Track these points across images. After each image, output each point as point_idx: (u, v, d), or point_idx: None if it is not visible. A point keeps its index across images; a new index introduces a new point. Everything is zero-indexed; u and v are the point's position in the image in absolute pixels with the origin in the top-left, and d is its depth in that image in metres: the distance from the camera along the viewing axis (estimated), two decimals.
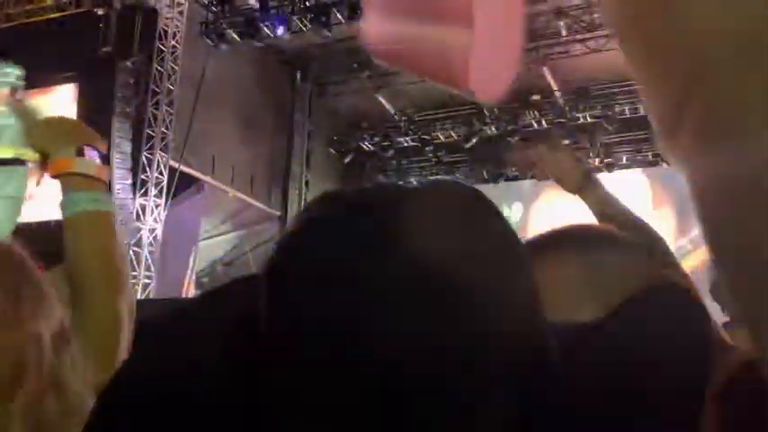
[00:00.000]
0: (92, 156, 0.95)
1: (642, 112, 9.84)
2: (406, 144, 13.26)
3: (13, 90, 4.47)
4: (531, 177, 12.51)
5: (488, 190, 12.95)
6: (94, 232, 0.93)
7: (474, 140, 12.57)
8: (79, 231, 0.94)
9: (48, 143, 0.97)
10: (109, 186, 1.00)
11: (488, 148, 12.40)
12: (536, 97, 11.39)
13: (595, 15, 10.38)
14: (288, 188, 12.31)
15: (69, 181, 0.95)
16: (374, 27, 0.48)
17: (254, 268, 8.05)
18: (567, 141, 10.74)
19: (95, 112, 9.19)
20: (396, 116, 13.04)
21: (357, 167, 13.97)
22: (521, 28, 0.54)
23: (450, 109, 12.62)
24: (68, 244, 0.95)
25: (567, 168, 1.37)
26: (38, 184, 1.03)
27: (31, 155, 3.91)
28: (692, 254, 9.43)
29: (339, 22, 9.53)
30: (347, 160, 13.68)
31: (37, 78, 11.76)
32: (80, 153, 0.94)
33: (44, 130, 1.00)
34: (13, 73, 4.54)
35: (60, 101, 11.72)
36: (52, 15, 11.17)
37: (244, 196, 11.23)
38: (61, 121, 1.06)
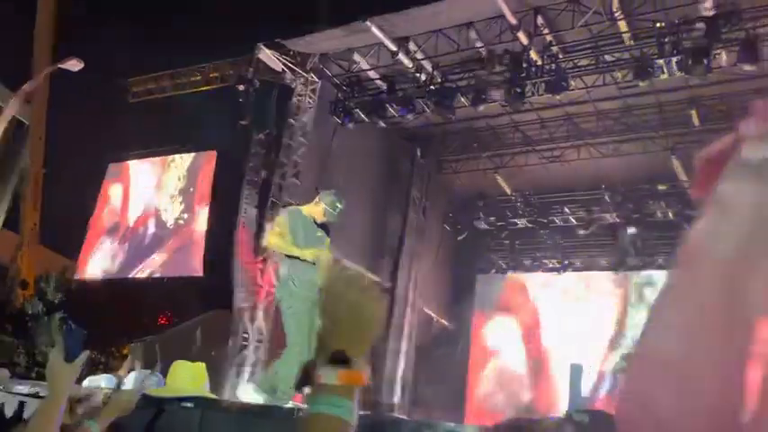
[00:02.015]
0: None
1: None
2: (521, 225, 13.08)
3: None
4: (659, 267, 11.83)
5: (606, 278, 12.49)
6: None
7: (593, 227, 12.20)
8: (310, 429, 0.98)
9: (344, 345, 0.98)
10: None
11: (608, 235, 11.97)
12: (662, 186, 10.94)
13: (730, 106, 9.96)
14: (399, 261, 12.42)
15: (318, 383, 0.98)
16: None
17: None
18: None
19: (228, 178, 9.89)
20: (512, 196, 12.96)
21: (470, 245, 13.90)
22: None
23: (570, 192, 12.39)
24: None
25: None
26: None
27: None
28: None
29: (462, 106, 9.74)
30: (461, 237, 13.65)
31: (182, 144, 12.92)
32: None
33: (344, 333, 1.00)
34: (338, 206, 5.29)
35: (200, 165, 12.72)
36: (200, 89, 12.30)
37: (356, 266, 11.45)
38: (362, 325, 1.02)
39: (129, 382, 4.21)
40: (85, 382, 4.55)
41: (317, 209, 5.27)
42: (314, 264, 5.05)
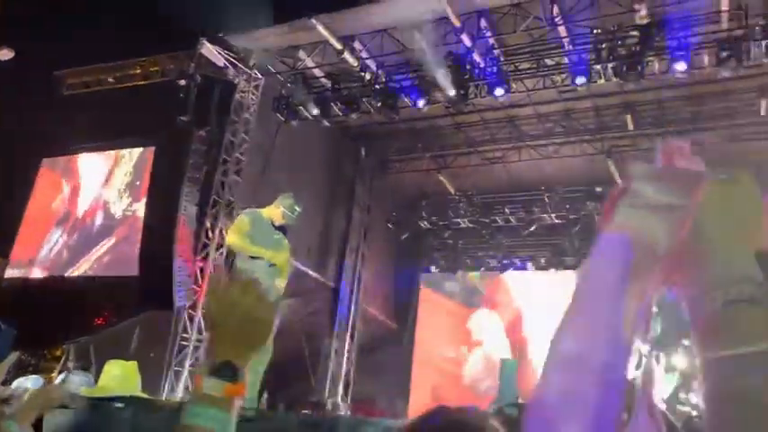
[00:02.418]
0: None
1: None
2: (463, 225, 13.27)
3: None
4: None
5: (548, 276, 12.77)
6: None
7: (533, 227, 12.48)
8: None
9: (232, 355, 0.96)
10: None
11: (548, 235, 12.27)
12: (599, 188, 11.28)
13: (662, 111, 10.36)
14: (344, 260, 12.42)
15: (199, 392, 0.96)
16: None
17: (303, 337, 8.00)
18: None
19: (168, 175, 9.66)
20: (455, 196, 13.13)
21: (414, 244, 14.02)
22: None
23: (511, 193, 12.64)
24: None
25: None
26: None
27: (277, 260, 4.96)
28: None
29: (406, 106, 9.80)
30: (404, 237, 13.75)
31: (120, 139, 12.53)
32: None
33: (234, 341, 0.97)
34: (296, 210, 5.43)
35: (138, 161, 12.37)
36: (139, 83, 11.97)
37: (300, 266, 11.37)
38: (254, 336, 1.00)
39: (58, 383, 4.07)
40: (14, 384, 4.37)
41: (275, 212, 5.36)
42: (271, 266, 5.14)
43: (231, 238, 5.38)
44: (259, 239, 5.19)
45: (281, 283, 5.20)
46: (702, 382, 0.48)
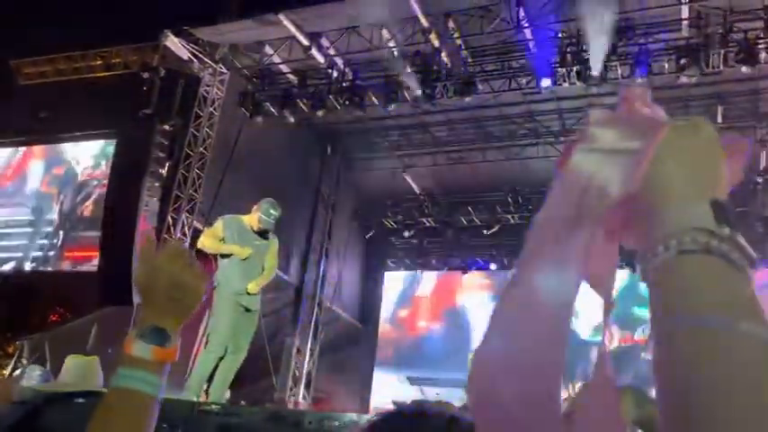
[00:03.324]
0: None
1: None
2: (427, 224, 13.34)
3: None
4: None
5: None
6: (124, 410, 0.93)
7: (496, 227, 12.61)
8: (110, 406, 0.94)
9: (161, 319, 0.96)
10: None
11: (510, 235, 12.41)
12: None
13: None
14: (308, 258, 12.36)
15: (127, 355, 0.96)
16: None
17: (265, 336, 7.91)
18: None
19: (129, 170, 9.47)
20: (420, 196, 13.19)
21: (378, 243, 14.03)
22: None
23: (475, 194, 12.75)
24: (96, 416, 0.94)
25: None
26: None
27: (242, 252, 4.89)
28: None
29: (373, 105, 9.80)
30: (369, 235, 13.76)
31: (80, 131, 12.24)
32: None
33: (162, 306, 0.97)
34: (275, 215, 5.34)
35: (98, 155, 12.10)
36: (100, 74, 11.71)
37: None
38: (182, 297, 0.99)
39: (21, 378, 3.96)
40: None
41: (253, 217, 5.27)
42: (246, 268, 5.10)
43: (202, 240, 5.28)
44: (231, 241, 5.13)
45: (253, 286, 5.14)
46: (654, 346, 0.46)
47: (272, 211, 5.27)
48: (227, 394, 6.02)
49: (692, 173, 0.50)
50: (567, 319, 0.51)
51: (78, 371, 2.32)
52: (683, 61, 8.14)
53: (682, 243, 0.46)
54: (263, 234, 5.27)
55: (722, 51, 7.92)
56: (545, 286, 0.52)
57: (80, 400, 1.86)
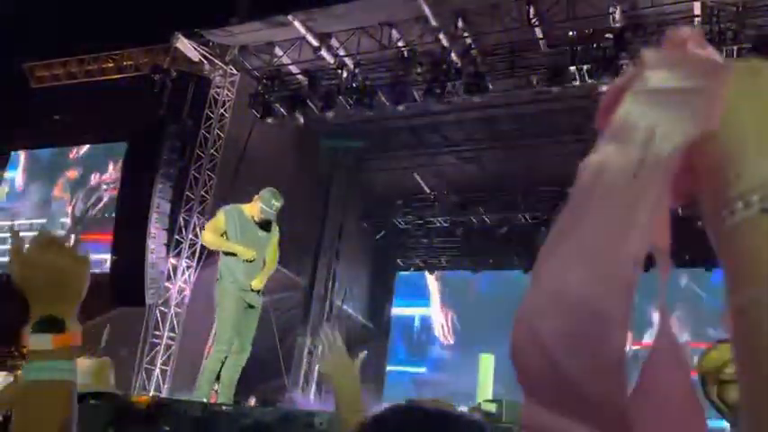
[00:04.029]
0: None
1: None
2: (438, 224, 13.30)
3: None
4: None
5: (520, 278, 12.87)
6: (44, 401, 0.94)
7: (506, 227, 12.56)
8: (27, 401, 0.95)
9: (50, 309, 0.98)
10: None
11: (521, 236, 12.35)
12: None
13: None
14: (318, 259, 12.37)
15: (30, 350, 0.97)
16: (530, 414, 0.49)
17: (276, 335, 7.92)
18: None
19: (140, 171, 9.51)
20: (431, 195, 13.16)
21: (389, 243, 14.02)
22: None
23: (486, 193, 12.70)
24: (18, 413, 0.96)
25: None
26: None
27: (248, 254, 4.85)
28: None
29: (383, 104, 9.78)
30: (379, 236, 13.74)
31: (91, 134, 12.33)
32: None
33: (48, 296, 0.99)
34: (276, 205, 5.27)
35: (111, 157, 12.17)
36: (112, 77, 11.78)
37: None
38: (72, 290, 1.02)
39: None
40: None
41: (254, 208, 5.14)
42: (249, 263, 4.98)
43: (205, 235, 5.25)
44: (235, 236, 5.02)
45: (257, 283, 5.06)
46: (732, 319, 0.39)
47: (273, 202, 5.15)
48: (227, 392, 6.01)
49: None
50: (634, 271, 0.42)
51: (89, 372, 2.34)
52: None
53: (765, 199, 0.40)
54: (264, 225, 5.14)
55: (735, 48, 7.85)
56: (607, 239, 0.44)
57: (93, 402, 1.86)
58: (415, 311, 14.06)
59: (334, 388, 1.39)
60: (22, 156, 13.30)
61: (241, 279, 4.95)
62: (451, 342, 13.55)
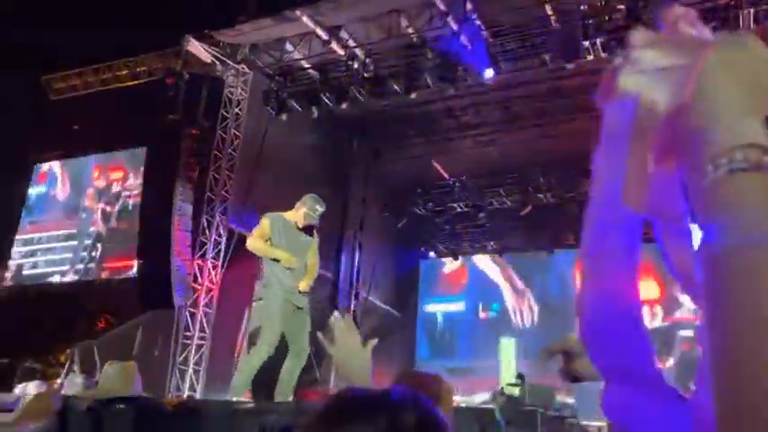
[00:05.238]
0: None
1: None
2: (459, 210, 13.26)
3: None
4: None
5: (543, 258, 12.79)
6: None
7: (528, 208, 12.46)
8: None
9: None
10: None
11: (544, 215, 12.26)
12: None
13: None
14: (341, 251, 12.41)
15: None
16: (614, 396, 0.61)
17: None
18: None
19: (161, 175, 9.62)
20: (450, 181, 13.11)
21: (411, 231, 14.01)
22: None
23: (505, 175, 12.62)
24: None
25: None
26: None
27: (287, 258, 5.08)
28: None
29: (396, 93, 9.74)
30: (401, 224, 13.74)
31: (111, 142, 12.49)
32: None
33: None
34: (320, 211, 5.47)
35: (132, 163, 12.33)
36: (127, 83, 11.90)
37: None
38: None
39: (64, 388, 4.08)
40: (17, 389, 4.39)
41: (298, 214, 5.34)
42: (288, 270, 5.17)
43: (251, 242, 5.36)
44: (279, 242, 5.21)
45: (304, 285, 5.26)
46: (702, 272, 0.43)
47: (317, 207, 5.37)
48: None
49: (742, 88, 0.46)
50: (621, 222, 0.53)
51: (117, 376, 2.38)
52: (711, 25, 7.89)
53: (732, 161, 0.43)
54: (305, 230, 5.34)
55: (752, 10, 7.67)
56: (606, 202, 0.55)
57: (120, 406, 1.90)
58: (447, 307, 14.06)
59: (344, 374, 1.39)
60: (46, 167, 13.53)
61: (288, 282, 5.17)
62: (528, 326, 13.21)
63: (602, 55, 8.45)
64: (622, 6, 8.17)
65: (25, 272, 12.94)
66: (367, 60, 9.76)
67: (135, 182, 11.99)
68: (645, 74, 0.51)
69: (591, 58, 8.58)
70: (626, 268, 0.54)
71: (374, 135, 12.50)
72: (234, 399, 4.83)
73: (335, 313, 1.57)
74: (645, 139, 0.51)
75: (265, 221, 5.30)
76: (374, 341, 1.50)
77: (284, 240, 5.22)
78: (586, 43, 8.43)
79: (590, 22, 8.40)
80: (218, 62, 10.10)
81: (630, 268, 0.54)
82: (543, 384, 4.68)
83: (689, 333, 10.97)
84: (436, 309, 14.08)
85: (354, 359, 1.39)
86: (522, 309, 13.09)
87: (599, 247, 0.56)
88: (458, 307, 13.92)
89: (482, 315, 13.58)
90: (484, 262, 13.87)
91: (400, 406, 0.85)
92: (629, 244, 0.55)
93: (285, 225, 5.29)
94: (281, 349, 5.26)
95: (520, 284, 13.23)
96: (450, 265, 14.11)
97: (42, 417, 1.95)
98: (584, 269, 0.57)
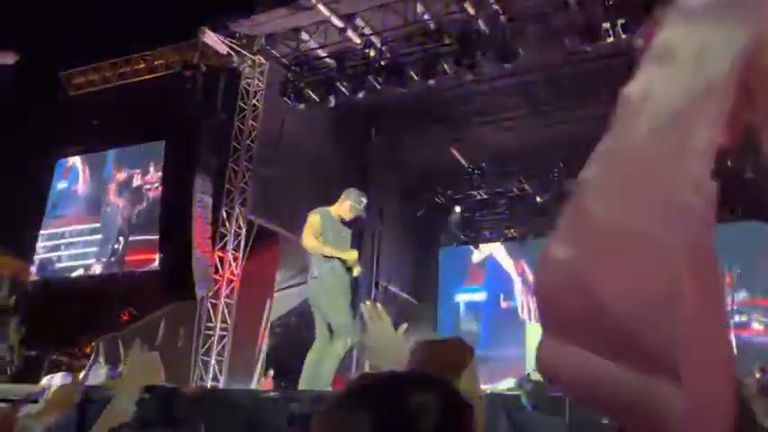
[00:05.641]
0: None
1: None
2: (479, 197, 13.17)
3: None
4: None
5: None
6: None
7: (549, 195, 12.34)
8: None
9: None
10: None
11: (563, 202, 12.12)
12: None
13: None
14: (361, 241, 12.39)
15: None
16: (553, 352, 0.48)
17: None
18: None
19: (180, 168, 9.66)
20: (469, 168, 13.01)
21: (431, 220, 13.95)
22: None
23: (525, 161, 12.49)
24: None
25: None
26: None
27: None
28: None
29: (413, 79, 9.67)
30: (420, 213, 13.69)
31: (130, 136, 12.58)
32: None
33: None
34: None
35: (151, 157, 12.41)
36: (145, 77, 11.97)
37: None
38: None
39: (88, 379, 4.12)
40: (43, 381, 4.43)
41: (342, 207, 5.41)
42: (344, 263, 5.25)
43: (306, 241, 5.38)
44: (330, 239, 5.29)
45: (358, 271, 5.39)
46: None
47: (362, 199, 5.44)
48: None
49: None
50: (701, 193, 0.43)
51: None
52: None
53: None
54: (346, 222, 5.45)
55: None
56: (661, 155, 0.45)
57: (144, 396, 1.89)
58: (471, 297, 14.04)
59: (380, 362, 1.38)
60: (70, 162, 13.67)
61: (342, 270, 5.24)
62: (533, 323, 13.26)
63: (623, 36, 8.30)
64: None
65: (50, 266, 13.12)
66: (383, 48, 9.69)
67: (155, 175, 12.07)
68: (697, 16, 0.45)
69: (611, 40, 8.42)
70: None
71: (392, 123, 12.43)
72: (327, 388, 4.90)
73: (366, 302, 1.56)
74: (711, 104, 0.43)
75: (315, 218, 5.34)
76: (405, 325, 1.50)
77: (331, 235, 5.30)
78: (606, 25, 8.28)
79: (610, 3, 8.25)
80: (234, 54, 10.09)
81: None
82: None
83: None
84: (462, 298, 14.06)
85: (389, 345, 1.38)
86: (531, 305, 13.03)
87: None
88: (480, 297, 13.88)
89: (503, 305, 13.53)
90: (501, 254, 13.81)
91: (405, 390, 0.83)
92: None
93: (332, 220, 5.37)
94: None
95: (532, 279, 13.19)
96: (477, 254, 14.06)
97: (65, 407, 1.95)
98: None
